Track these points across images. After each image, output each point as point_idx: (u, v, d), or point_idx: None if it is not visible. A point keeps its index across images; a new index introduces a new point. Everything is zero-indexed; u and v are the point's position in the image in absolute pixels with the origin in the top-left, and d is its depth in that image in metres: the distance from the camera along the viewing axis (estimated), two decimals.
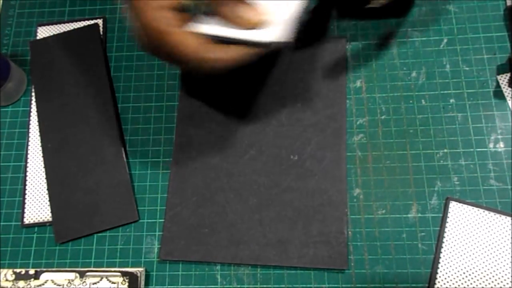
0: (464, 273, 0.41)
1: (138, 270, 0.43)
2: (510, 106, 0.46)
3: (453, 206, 0.43)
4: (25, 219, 0.47)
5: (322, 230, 0.43)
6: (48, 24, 0.55)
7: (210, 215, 0.45)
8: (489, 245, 0.41)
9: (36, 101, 0.51)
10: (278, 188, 0.45)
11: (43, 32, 0.54)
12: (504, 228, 0.42)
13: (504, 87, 0.47)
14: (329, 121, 0.46)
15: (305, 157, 0.45)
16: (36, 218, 0.47)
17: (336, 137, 0.46)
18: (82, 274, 0.43)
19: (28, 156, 0.49)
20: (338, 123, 0.46)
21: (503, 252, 0.41)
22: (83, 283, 0.43)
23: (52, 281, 0.43)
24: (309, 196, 0.44)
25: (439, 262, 0.42)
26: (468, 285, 0.41)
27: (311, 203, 0.44)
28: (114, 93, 0.51)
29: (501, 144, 0.45)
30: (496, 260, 0.41)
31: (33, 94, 0.51)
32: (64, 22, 0.54)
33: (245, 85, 0.49)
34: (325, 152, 0.45)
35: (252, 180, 0.45)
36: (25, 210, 0.48)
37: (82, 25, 0.54)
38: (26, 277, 0.43)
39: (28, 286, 0.43)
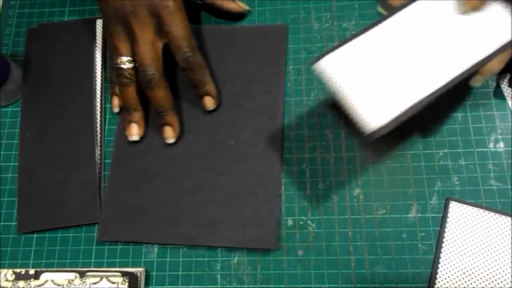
0: (464, 273, 0.41)
1: (138, 270, 0.43)
2: (510, 106, 0.46)
3: (453, 206, 0.43)
4: None
5: (253, 212, 0.44)
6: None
7: (147, 198, 0.46)
8: (489, 245, 0.41)
9: (22, 88, 0.51)
10: (213, 172, 0.46)
11: None
12: (504, 228, 0.42)
13: (504, 87, 0.47)
14: (266, 106, 0.47)
15: (241, 142, 0.47)
16: None
17: (272, 122, 0.47)
18: (82, 274, 0.43)
19: None
20: (275, 108, 0.47)
21: (503, 252, 0.41)
22: (83, 283, 0.43)
23: (52, 281, 0.43)
24: (242, 178, 0.45)
25: (439, 262, 0.42)
26: (468, 285, 0.41)
27: (244, 186, 0.45)
28: (104, 92, 0.51)
29: (501, 144, 0.45)
30: (496, 260, 0.41)
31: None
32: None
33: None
34: (260, 136, 0.47)
35: (188, 163, 0.46)
36: None
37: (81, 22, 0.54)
38: (26, 277, 0.43)
39: (28, 286, 0.43)
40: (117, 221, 0.45)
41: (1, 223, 0.47)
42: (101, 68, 0.51)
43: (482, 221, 0.42)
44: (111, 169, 0.47)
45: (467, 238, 0.42)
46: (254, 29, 0.51)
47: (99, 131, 0.49)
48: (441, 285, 0.41)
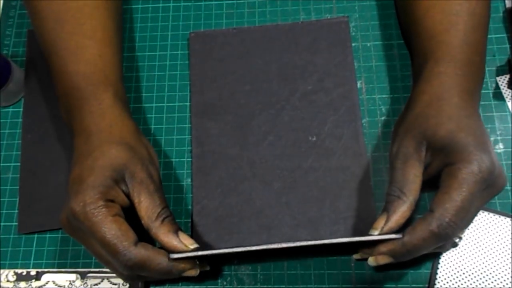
0: (464, 273, 0.41)
1: None
2: (510, 108, 0.46)
3: None
4: None
5: (349, 205, 0.44)
6: None
7: (238, 204, 0.45)
8: (489, 245, 0.42)
9: (24, 89, 0.51)
10: (301, 170, 0.45)
11: None
12: (504, 229, 0.42)
13: (503, 89, 0.47)
14: (342, 99, 0.47)
15: (323, 137, 0.46)
16: None
17: (350, 114, 0.47)
18: (83, 275, 0.43)
19: None
20: (351, 100, 0.47)
21: (503, 252, 0.41)
22: (84, 284, 0.43)
23: (53, 282, 0.43)
24: (332, 173, 0.45)
25: (439, 262, 0.42)
26: (468, 285, 0.41)
27: (335, 181, 0.45)
28: None
29: (501, 145, 0.45)
30: (496, 261, 0.41)
31: None
32: None
33: (255, 75, 0.49)
34: (342, 129, 0.46)
35: (274, 165, 0.46)
36: None
37: None
38: (27, 278, 0.43)
39: (30, 287, 0.43)
40: (210, 232, 0.44)
41: (2, 224, 0.47)
42: None
43: (481, 222, 0.42)
44: (194, 180, 0.46)
45: (467, 239, 0.42)
46: (316, 23, 0.51)
47: None
48: (441, 285, 0.41)
